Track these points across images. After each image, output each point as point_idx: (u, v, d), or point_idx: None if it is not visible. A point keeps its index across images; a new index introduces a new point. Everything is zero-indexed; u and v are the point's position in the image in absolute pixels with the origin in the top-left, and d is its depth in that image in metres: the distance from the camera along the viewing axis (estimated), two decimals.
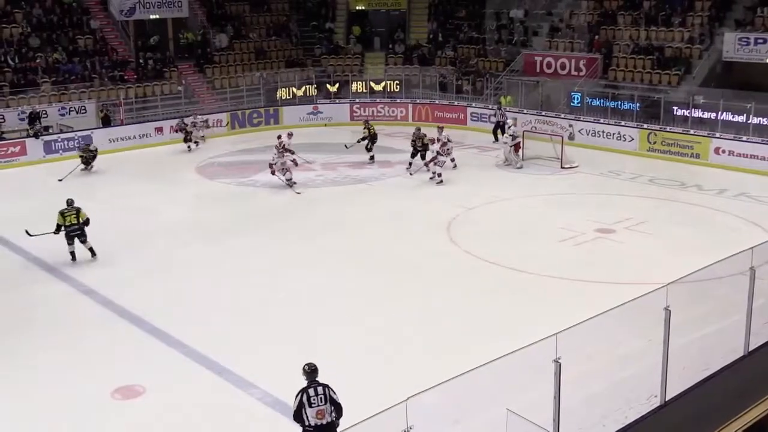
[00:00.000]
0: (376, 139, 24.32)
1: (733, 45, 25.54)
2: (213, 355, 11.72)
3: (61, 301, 14.16)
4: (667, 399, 8.42)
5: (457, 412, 8.38)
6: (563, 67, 29.27)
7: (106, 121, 27.26)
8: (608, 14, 30.29)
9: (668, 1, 28.93)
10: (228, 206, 19.96)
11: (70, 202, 15.63)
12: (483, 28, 33.75)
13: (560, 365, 7.29)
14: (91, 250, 15.83)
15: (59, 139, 25.63)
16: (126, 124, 27.56)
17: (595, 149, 25.05)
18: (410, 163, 22.63)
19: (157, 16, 31.26)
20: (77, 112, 27.52)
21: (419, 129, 23.06)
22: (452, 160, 22.71)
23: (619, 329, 9.55)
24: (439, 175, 21.51)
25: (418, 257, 15.88)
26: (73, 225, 15.44)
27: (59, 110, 27.25)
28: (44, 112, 26.50)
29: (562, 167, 22.95)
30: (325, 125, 30.17)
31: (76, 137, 25.77)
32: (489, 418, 8.33)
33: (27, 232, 15.60)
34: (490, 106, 28.64)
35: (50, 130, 26.20)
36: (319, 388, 8.08)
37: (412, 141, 22.82)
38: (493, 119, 27.38)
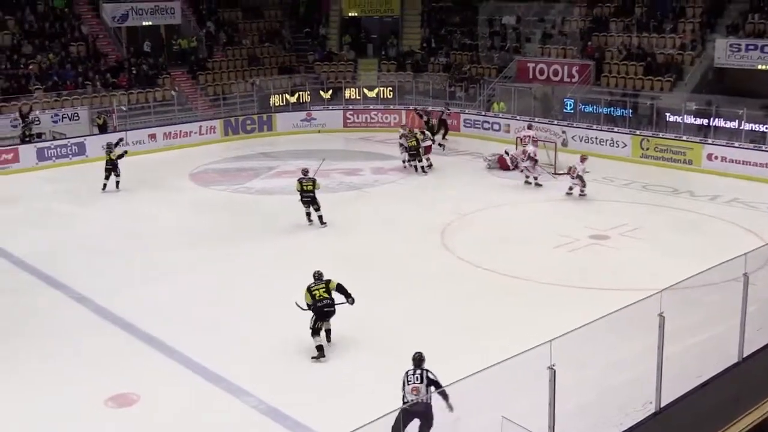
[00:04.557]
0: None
1: (724, 51, 25.63)
2: (207, 363, 11.68)
3: (54, 308, 14.07)
4: (662, 405, 8.43)
5: (452, 419, 8.36)
6: (556, 73, 29.35)
7: (104, 129, 27.13)
8: (600, 20, 30.41)
9: (660, 7, 29.06)
10: (224, 213, 19.92)
11: (317, 276, 12.40)
12: (476, 34, 33.84)
13: (555, 372, 7.30)
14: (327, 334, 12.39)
15: (52, 146, 25.52)
16: (119, 131, 27.46)
17: (589, 155, 25.04)
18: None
19: (150, 23, 31.28)
20: (70, 119, 27.41)
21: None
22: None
23: (613, 336, 9.55)
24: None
25: (412, 264, 15.85)
26: (326, 299, 12.13)
27: (52, 117, 27.15)
28: (37, 118, 26.37)
29: (555, 173, 22.98)
30: (319, 131, 30.17)
31: (69, 144, 25.73)
32: (484, 424, 8.32)
33: (297, 304, 12.28)
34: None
35: (44, 137, 26.10)
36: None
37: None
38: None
